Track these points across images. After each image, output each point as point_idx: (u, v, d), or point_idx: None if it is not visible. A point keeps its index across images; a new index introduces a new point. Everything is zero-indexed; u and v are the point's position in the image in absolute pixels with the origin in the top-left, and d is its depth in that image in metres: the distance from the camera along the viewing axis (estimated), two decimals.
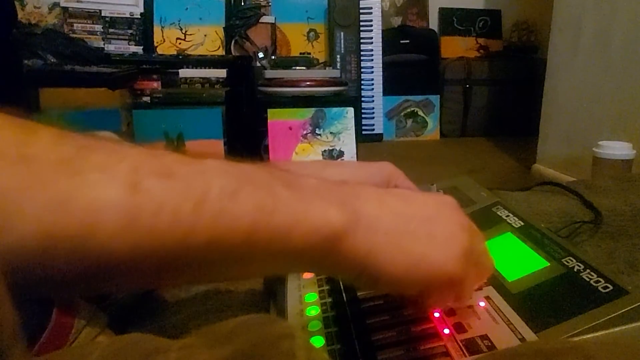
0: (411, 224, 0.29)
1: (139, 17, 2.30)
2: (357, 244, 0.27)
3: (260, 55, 2.28)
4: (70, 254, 0.21)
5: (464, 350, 0.31)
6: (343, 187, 0.30)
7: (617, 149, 1.27)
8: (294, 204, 0.26)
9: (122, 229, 0.22)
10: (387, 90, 2.60)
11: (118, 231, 0.22)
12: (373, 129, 2.60)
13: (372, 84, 2.57)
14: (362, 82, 2.55)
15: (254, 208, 0.24)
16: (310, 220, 0.26)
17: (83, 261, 0.22)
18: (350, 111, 1.98)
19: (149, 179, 0.23)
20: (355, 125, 1.98)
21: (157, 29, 2.32)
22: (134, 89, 2.01)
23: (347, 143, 1.97)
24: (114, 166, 0.22)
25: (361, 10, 2.50)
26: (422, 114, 2.70)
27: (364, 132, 2.51)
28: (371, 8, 2.53)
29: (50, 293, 0.27)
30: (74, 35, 2.19)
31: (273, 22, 2.48)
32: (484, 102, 2.71)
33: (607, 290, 0.33)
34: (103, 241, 0.21)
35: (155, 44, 2.31)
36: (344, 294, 0.40)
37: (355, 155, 1.96)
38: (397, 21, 2.81)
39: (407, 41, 2.69)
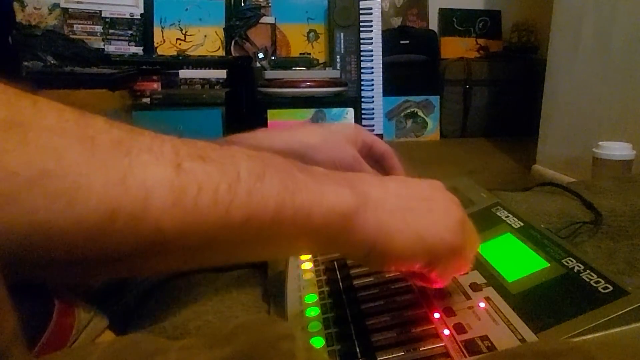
0: (412, 202, 0.33)
1: (139, 17, 2.30)
2: (367, 221, 0.30)
3: (260, 55, 2.28)
4: (128, 229, 0.23)
5: (464, 351, 0.31)
6: (348, 174, 0.33)
7: (617, 149, 1.27)
8: (311, 186, 0.28)
9: (171, 206, 0.23)
10: (387, 91, 2.60)
11: (167, 208, 0.23)
12: (373, 130, 2.60)
13: (372, 85, 2.57)
14: (362, 82, 2.55)
15: (279, 188, 0.27)
16: (327, 200, 0.28)
17: (138, 237, 0.23)
18: (350, 112, 1.98)
19: (189, 160, 0.25)
20: None
21: (157, 30, 2.32)
22: (133, 90, 2.01)
23: None
24: (159, 148, 0.24)
25: (361, 11, 2.50)
26: (422, 115, 2.70)
27: None
28: (371, 9, 2.53)
29: (100, 274, 0.29)
30: (74, 36, 2.19)
31: (273, 22, 2.48)
32: (484, 102, 2.71)
33: (607, 290, 0.33)
34: (155, 217, 0.23)
35: (155, 45, 2.31)
36: (343, 295, 0.40)
37: None
38: (397, 22, 2.81)
39: (407, 42, 2.69)
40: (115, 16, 2.27)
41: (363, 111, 2.54)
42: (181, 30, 2.34)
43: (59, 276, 0.26)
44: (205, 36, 2.35)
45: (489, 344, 0.32)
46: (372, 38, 2.54)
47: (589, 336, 0.30)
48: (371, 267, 0.39)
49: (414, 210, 0.32)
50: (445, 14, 2.86)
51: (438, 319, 0.35)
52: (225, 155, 0.26)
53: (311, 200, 0.28)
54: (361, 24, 2.50)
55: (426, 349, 0.32)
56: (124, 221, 0.22)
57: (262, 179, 0.26)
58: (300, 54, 2.49)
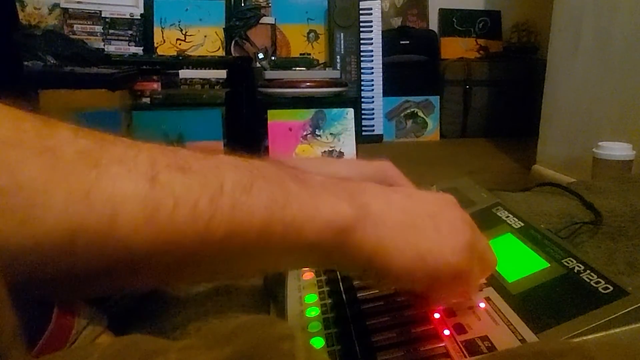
0: (417, 219, 0.30)
1: (139, 17, 2.30)
2: (366, 237, 0.28)
3: (260, 56, 2.28)
4: (93, 248, 0.21)
5: (464, 351, 0.31)
6: (349, 183, 0.30)
7: (617, 149, 1.27)
8: (305, 198, 0.26)
9: (142, 222, 0.22)
10: (387, 91, 2.60)
11: (139, 224, 0.22)
12: (373, 130, 2.60)
13: (372, 85, 2.57)
14: (362, 83, 2.55)
15: (267, 202, 0.25)
16: (321, 214, 0.26)
17: (105, 256, 0.22)
18: (350, 112, 1.98)
19: (166, 172, 0.23)
20: (355, 126, 1.98)
21: (157, 30, 2.32)
22: (134, 90, 2.01)
23: (347, 144, 1.97)
24: (132, 159, 0.22)
25: (361, 11, 2.50)
26: (422, 115, 2.70)
27: (363, 133, 2.51)
28: (371, 9, 2.53)
29: (67, 293, 0.27)
30: (74, 37, 2.19)
31: (273, 22, 2.48)
32: (483, 103, 2.71)
33: (608, 291, 0.33)
34: (124, 235, 0.21)
35: (156, 45, 2.31)
36: (344, 295, 0.40)
37: (355, 157, 1.96)
38: (397, 22, 2.81)
39: (407, 42, 2.69)
40: (115, 16, 2.27)
41: (363, 111, 2.55)
42: (181, 30, 2.34)
43: (25, 295, 0.24)
44: (205, 36, 2.35)
45: (489, 344, 0.32)
46: (372, 38, 2.54)
47: (589, 336, 0.30)
48: (368, 283, 0.38)
49: (419, 227, 0.30)
50: (445, 14, 2.86)
51: (438, 319, 0.35)
52: (209, 165, 0.25)
53: (303, 215, 0.26)
54: (361, 24, 2.51)
55: (426, 349, 0.32)
56: (87, 240, 0.21)
57: (248, 192, 0.24)
58: (300, 54, 2.49)
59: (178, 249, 0.23)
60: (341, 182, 0.30)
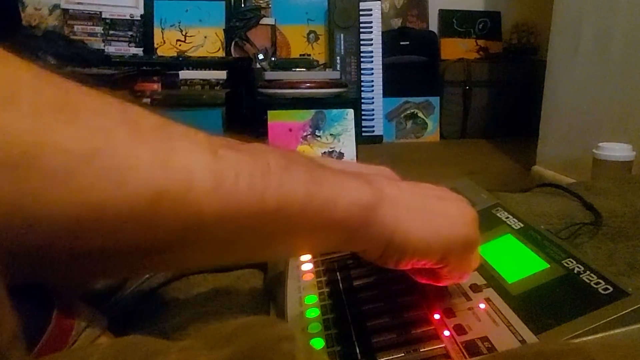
0: (427, 201, 0.34)
1: (139, 18, 2.30)
2: (385, 215, 0.31)
3: (260, 56, 2.28)
4: (170, 214, 0.23)
5: (464, 352, 0.31)
6: (362, 172, 0.34)
7: (617, 150, 1.27)
8: (332, 179, 0.29)
9: (212, 191, 0.24)
10: (387, 92, 2.60)
11: (208, 193, 0.24)
12: (373, 131, 2.60)
13: (372, 86, 2.57)
14: (362, 83, 2.55)
15: (305, 180, 0.28)
16: (349, 193, 0.29)
17: (178, 223, 0.24)
18: (350, 113, 1.98)
19: (223, 149, 0.25)
20: (355, 127, 1.98)
21: (157, 31, 2.32)
22: (134, 91, 2.01)
23: (347, 145, 1.97)
24: (194, 136, 0.25)
25: (361, 12, 2.50)
26: (422, 116, 2.70)
27: (363, 134, 2.51)
28: (371, 10, 2.53)
29: (122, 268, 0.29)
30: (75, 37, 2.19)
31: (273, 23, 2.48)
32: (483, 103, 2.71)
33: (608, 292, 0.33)
34: (197, 202, 0.23)
35: (156, 46, 2.31)
36: (343, 296, 0.40)
37: (355, 157, 1.96)
38: (397, 23, 2.81)
39: (407, 43, 2.69)
40: (116, 17, 2.27)
41: (363, 112, 2.55)
42: (181, 31, 2.34)
43: (93, 272, 0.27)
44: (205, 37, 2.35)
45: (489, 345, 0.32)
46: (372, 39, 2.54)
47: (589, 337, 0.30)
48: (387, 263, 0.38)
49: (429, 207, 0.33)
50: (445, 15, 2.86)
51: (438, 320, 0.35)
52: (252, 147, 0.27)
53: (334, 193, 0.29)
54: (361, 25, 2.51)
55: (426, 350, 0.32)
56: (169, 205, 0.23)
57: (288, 171, 0.27)
58: (300, 55, 2.49)
59: (238, 219, 0.25)
60: (355, 170, 0.34)
